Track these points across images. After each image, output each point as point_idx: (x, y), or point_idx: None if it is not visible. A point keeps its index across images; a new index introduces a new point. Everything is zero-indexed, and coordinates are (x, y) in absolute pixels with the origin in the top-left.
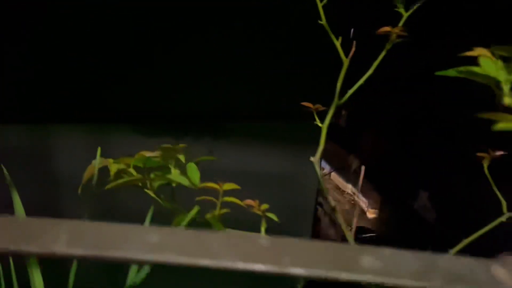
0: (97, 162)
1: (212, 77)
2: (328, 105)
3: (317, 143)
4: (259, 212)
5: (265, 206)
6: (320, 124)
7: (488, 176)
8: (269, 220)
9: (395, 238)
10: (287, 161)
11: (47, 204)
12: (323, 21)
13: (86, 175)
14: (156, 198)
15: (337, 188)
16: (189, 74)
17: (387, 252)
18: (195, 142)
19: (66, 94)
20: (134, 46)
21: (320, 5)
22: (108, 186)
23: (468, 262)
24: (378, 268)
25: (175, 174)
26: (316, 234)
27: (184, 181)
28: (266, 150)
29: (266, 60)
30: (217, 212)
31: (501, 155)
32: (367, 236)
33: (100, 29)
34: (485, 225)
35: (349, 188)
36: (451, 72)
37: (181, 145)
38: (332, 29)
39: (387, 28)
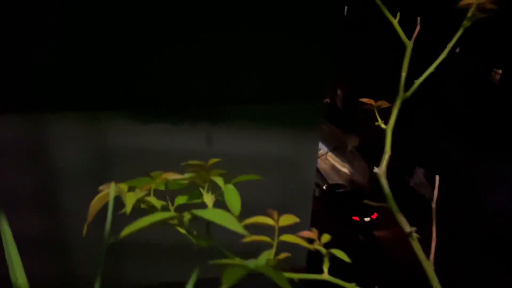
0: (111, 197)
1: (208, 60)
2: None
3: (316, 125)
4: (320, 249)
5: (326, 237)
6: (383, 126)
7: None
8: (269, 200)
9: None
10: (286, 143)
11: (41, 193)
12: None
13: (91, 210)
14: (188, 235)
15: (334, 168)
16: (185, 58)
17: None
18: (193, 128)
19: (58, 81)
20: (128, 30)
21: None
22: (124, 233)
23: None
24: None
25: (217, 214)
26: (315, 214)
27: (231, 224)
28: (264, 132)
29: (262, 40)
30: (271, 256)
31: None
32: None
33: (94, 14)
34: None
35: (346, 167)
36: None
37: (214, 159)
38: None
39: (471, 0)
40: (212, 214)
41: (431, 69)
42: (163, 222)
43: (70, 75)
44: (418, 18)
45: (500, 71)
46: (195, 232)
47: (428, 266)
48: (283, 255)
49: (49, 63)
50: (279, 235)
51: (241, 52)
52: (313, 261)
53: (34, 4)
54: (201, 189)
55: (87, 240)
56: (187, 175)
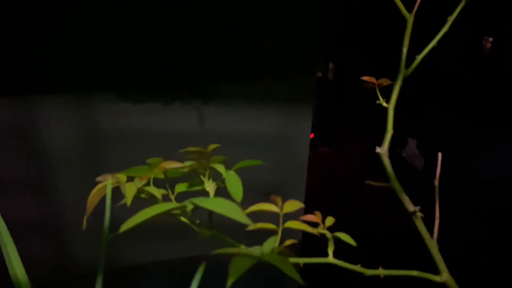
0: (109, 191)
1: (199, 38)
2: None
3: (308, 101)
4: (326, 233)
5: (331, 220)
6: (385, 104)
7: None
8: (264, 177)
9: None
10: (279, 119)
11: (32, 176)
12: None
13: (90, 203)
14: (191, 224)
15: None
16: (175, 37)
17: None
18: (184, 107)
19: (47, 62)
20: (118, 10)
21: None
22: (124, 228)
23: None
24: None
25: (220, 204)
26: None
27: (235, 214)
28: (257, 109)
29: (252, 17)
30: (276, 243)
31: None
32: None
33: None
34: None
35: None
36: None
37: (213, 145)
38: None
39: None
40: (214, 204)
41: (433, 43)
42: (166, 214)
43: (59, 56)
44: None
45: (491, 39)
46: (197, 221)
47: (432, 245)
48: (289, 241)
49: (38, 44)
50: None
51: (231, 29)
52: (307, 248)
53: None
54: (201, 176)
55: (81, 224)
56: (187, 163)
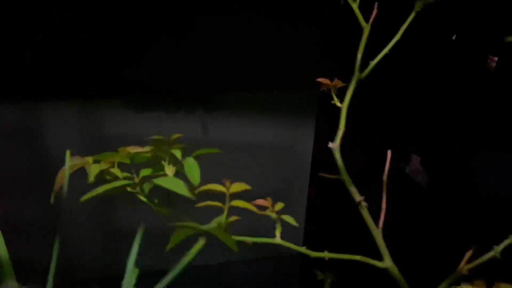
0: (67, 164)
1: (203, 48)
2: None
3: (311, 112)
4: (272, 215)
5: (280, 205)
6: (339, 104)
7: None
8: (266, 187)
9: None
10: (282, 130)
11: (35, 182)
12: None
13: (58, 180)
14: (149, 202)
15: None
16: (180, 46)
17: None
18: (188, 115)
19: (53, 69)
20: (123, 19)
21: None
22: (84, 198)
23: None
24: None
25: (167, 179)
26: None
27: (178, 188)
28: (260, 119)
29: (257, 27)
30: (223, 220)
31: None
32: None
33: (90, 1)
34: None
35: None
36: None
37: (176, 135)
38: None
39: None
40: (164, 181)
41: (385, 50)
42: (122, 189)
43: (66, 62)
44: (376, 3)
45: (496, 59)
46: (156, 201)
47: (377, 233)
48: (233, 218)
49: (44, 51)
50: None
51: (236, 39)
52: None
53: None
54: (162, 161)
55: (82, 226)
56: (147, 148)
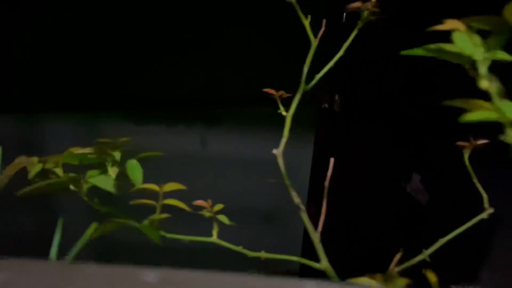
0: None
1: (204, 63)
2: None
3: (310, 129)
4: (210, 214)
5: (219, 206)
6: (284, 113)
7: (469, 167)
8: (264, 202)
9: None
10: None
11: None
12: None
13: (5, 175)
14: (88, 201)
15: None
16: (181, 61)
17: None
18: (187, 129)
19: (56, 81)
20: (125, 33)
21: None
22: (21, 192)
23: None
24: None
25: (97, 178)
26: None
27: (105, 185)
28: (258, 134)
29: (257, 42)
30: (156, 217)
31: (485, 144)
32: None
33: (94, 16)
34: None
35: None
36: (419, 51)
37: (123, 138)
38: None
39: (357, 4)
40: (95, 180)
41: (330, 64)
42: (64, 187)
43: (68, 75)
44: (324, 20)
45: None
46: (95, 200)
47: (315, 237)
48: (164, 215)
49: (48, 64)
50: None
51: (235, 54)
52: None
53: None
54: (106, 163)
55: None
56: (89, 149)
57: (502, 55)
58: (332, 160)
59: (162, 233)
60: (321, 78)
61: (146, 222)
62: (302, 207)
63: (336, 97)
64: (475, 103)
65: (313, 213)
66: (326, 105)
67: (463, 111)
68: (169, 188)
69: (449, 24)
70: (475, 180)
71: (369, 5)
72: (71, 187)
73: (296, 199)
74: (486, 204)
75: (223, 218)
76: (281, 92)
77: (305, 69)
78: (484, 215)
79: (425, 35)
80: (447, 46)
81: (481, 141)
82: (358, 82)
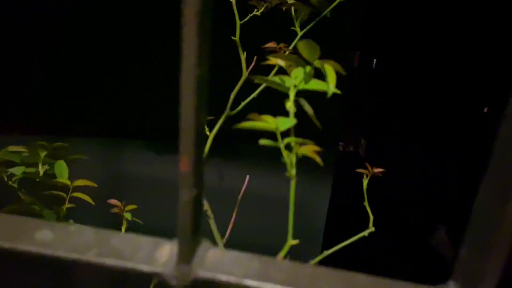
0: None
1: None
2: None
3: (328, 169)
4: (118, 211)
5: (131, 207)
6: (208, 133)
7: (365, 192)
8: (280, 239)
9: None
10: (299, 184)
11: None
12: (237, 38)
13: None
14: (16, 191)
15: None
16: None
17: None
18: (206, 162)
19: (81, 108)
20: (148, 63)
21: (238, 23)
22: None
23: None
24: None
25: (17, 168)
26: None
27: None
28: (276, 172)
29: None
30: (64, 207)
31: (381, 172)
32: None
33: (115, 46)
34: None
35: None
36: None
37: (58, 143)
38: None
39: (271, 44)
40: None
41: (253, 95)
42: None
43: (89, 101)
44: (255, 57)
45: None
46: (23, 190)
47: (220, 240)
48: (69, 205)
49: (67, 92)
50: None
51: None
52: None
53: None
54: (38, 162)
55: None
56: (23, 148)
57: (311, 85)
58: (248, 177)
59: (71, 221)
60: (346, 121)
61: (49, 211)
62: (211, 214)
63: (362, 141)
64: (260, 117)
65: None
66: (351, 148)
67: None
68: (80, 184)
69: (273, 60)
70: (365, 203)
71: (282, 45)
72: (5, 178)
73: (205, 206)
74: (370, 224)
75: (128, 216)
76: (209, 117)
77: (232, 96)
78: (365, 233)
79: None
80: (275, 78)
81: (378, 170)
82: (385, 127)
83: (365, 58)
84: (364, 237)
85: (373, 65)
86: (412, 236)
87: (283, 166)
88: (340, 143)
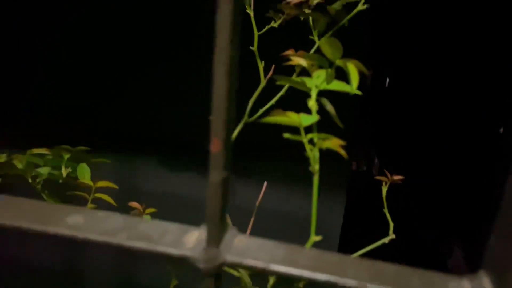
0: None
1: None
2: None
3: (341, 188)
4: (140, 215)
5: (151, 210)
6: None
7: (384, 199)
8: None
9: None
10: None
11: None
12: (254, 48)
13: None
14: (40, 191)
15: None
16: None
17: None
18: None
19: (94, 123)
20: (163, 78)
21: (256, 34)
22: None
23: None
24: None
25: (42, 169)
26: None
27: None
28: (288, 189)
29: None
30: (88, 207)
31: (401, 180)
32: None
33: (128, 60)
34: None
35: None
36: (281, 79)
37: (80, 147)
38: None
39: (290, 51)
40: (41, 170)
41: (271, 102)
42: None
43: (103, 117)
44: (273, 66)
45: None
46: (46, 191)
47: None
48: (91, 205)
49: (81, 104)
50: None
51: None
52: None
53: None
54: (61, 164)
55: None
56: (45, 150)
57: (332, 86)
58: (265, 183)
59: None
60: (360, 140)
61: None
62: (230, 223)
63: (376, 160)
64: (284, 113)
65: None
66: (364, 168)
67: None
68: (101, 185)
69: (295, 60)
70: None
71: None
72: (29, 179)
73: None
74: (391, 231)
75: (148, 218)
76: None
77: (250, 103)
78: (385, 240)
79: None
80: (297, 79)
81: (397, 177)
82: (399, 146)
83: (378, 76)
84: (375, 250)
85: (386, 84)
86: (426, 256)
87: (297, 180)
88: (353, 162)
